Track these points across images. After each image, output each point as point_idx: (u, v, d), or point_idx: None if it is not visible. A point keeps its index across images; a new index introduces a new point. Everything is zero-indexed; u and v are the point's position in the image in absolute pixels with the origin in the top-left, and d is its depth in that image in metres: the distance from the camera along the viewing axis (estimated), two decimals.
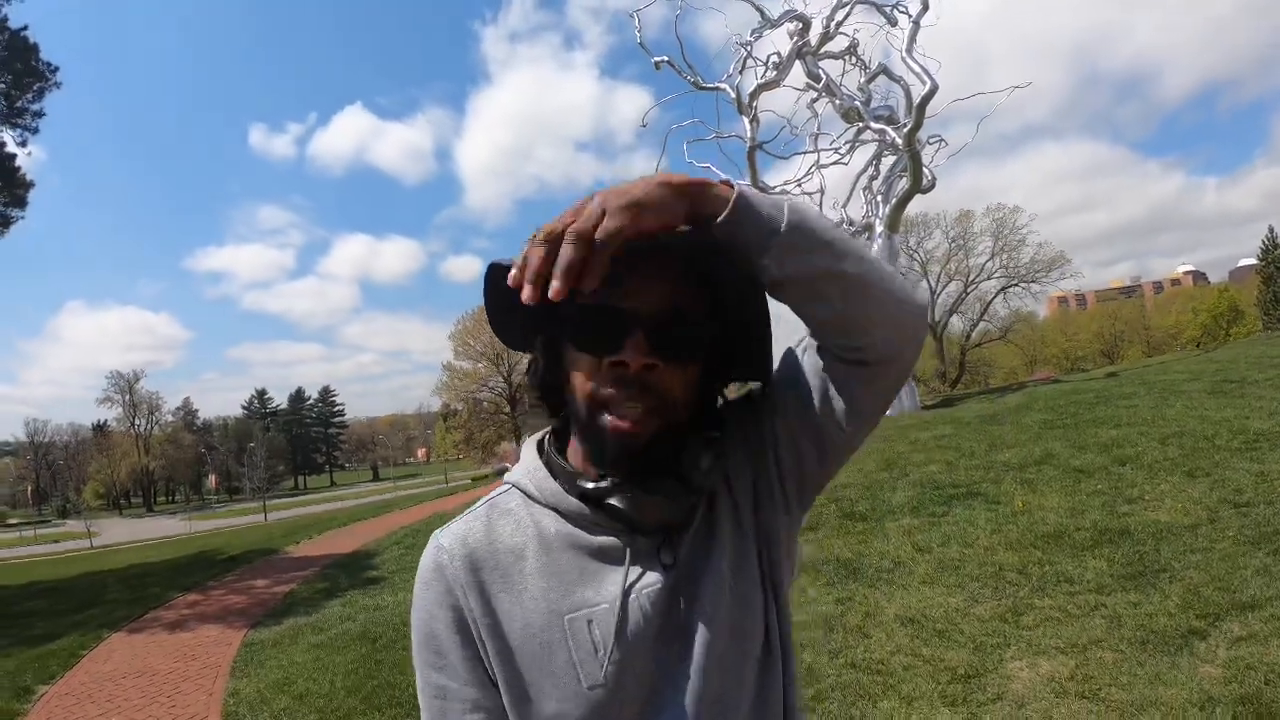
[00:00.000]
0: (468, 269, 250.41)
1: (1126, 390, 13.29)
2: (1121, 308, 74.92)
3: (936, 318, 52.34)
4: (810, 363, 0.98)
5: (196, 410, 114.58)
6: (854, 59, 20.03)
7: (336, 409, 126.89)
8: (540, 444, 1.08)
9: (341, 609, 8.99)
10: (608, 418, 0.93)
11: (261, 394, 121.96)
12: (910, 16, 17.60)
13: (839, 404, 0.96)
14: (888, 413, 11.46)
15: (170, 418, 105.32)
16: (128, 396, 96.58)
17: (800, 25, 18.65)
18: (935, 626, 5.64)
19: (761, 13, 18.74)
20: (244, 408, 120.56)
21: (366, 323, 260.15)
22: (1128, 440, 9.93)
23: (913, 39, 17.13)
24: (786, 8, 18.69)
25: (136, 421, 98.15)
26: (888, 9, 18.50)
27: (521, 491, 1.05)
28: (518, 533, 1.01)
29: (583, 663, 0.93)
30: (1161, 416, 10.81)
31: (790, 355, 1.03)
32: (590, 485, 0.96)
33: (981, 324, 53.50)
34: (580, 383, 0.95)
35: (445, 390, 70.87)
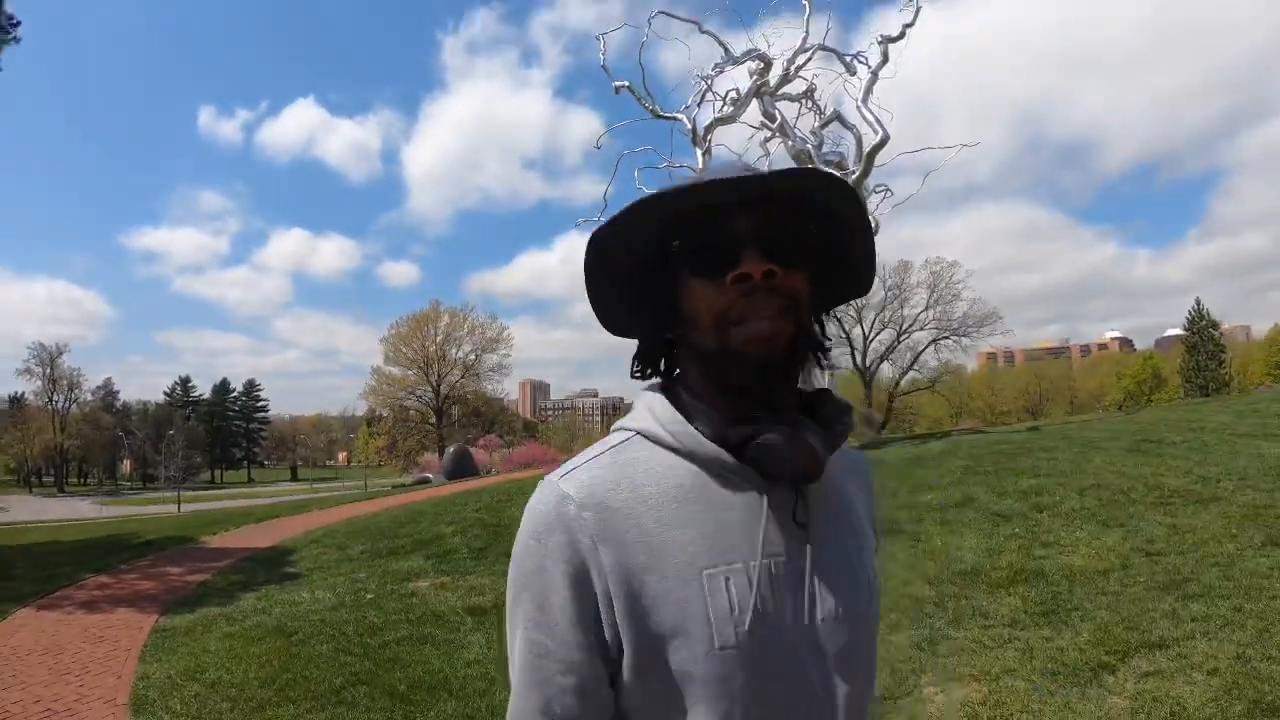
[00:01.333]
0: (405, 274, 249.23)
1: (1048, 443, 13.66)
2: (1048, 367, 77.27)
3: (868, 363, 53.28)
4: None
5: (118, 392, 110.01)
6: (810, 103, 20.44)
7: (260, 404, 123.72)
8: (663, 390, 1.04)
9: (257, 602, 8.79)
10: (742, 330, 0.94)
11: (185, 381, 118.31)
12: (869, 67, 18.06)
13: None
14: None
15: (90, 397, 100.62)
16: (49, 370, 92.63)
17: (761, 65, 19.01)
18: None
19: (726, 49, 19.05)
20: (166, 394, 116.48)
21: (297, 319, 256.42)
22: (1046, 489, 10.22)
23: (869, 89, 17.58)
24: (750, 46, 19.03)
25: (55, 397, 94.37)
26: (848, 58, 18.96)
27: (648, 439, 1.00)
28: (649, 481, 0.96)
29: (718, 621, 0.90)
30: (1080, 469, 11.14)
31: None
32: (733, 426, 0.96)
33: (911, 373, 54.59)
34: (707, 308, 0.96)
35: (372, 395, 70.24)
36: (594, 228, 0.97)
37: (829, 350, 1.05)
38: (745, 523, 0.94)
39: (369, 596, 8.75)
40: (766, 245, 0.94)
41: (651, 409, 1.01)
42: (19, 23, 16.76)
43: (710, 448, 0.95)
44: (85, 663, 6.92)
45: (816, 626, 0.95)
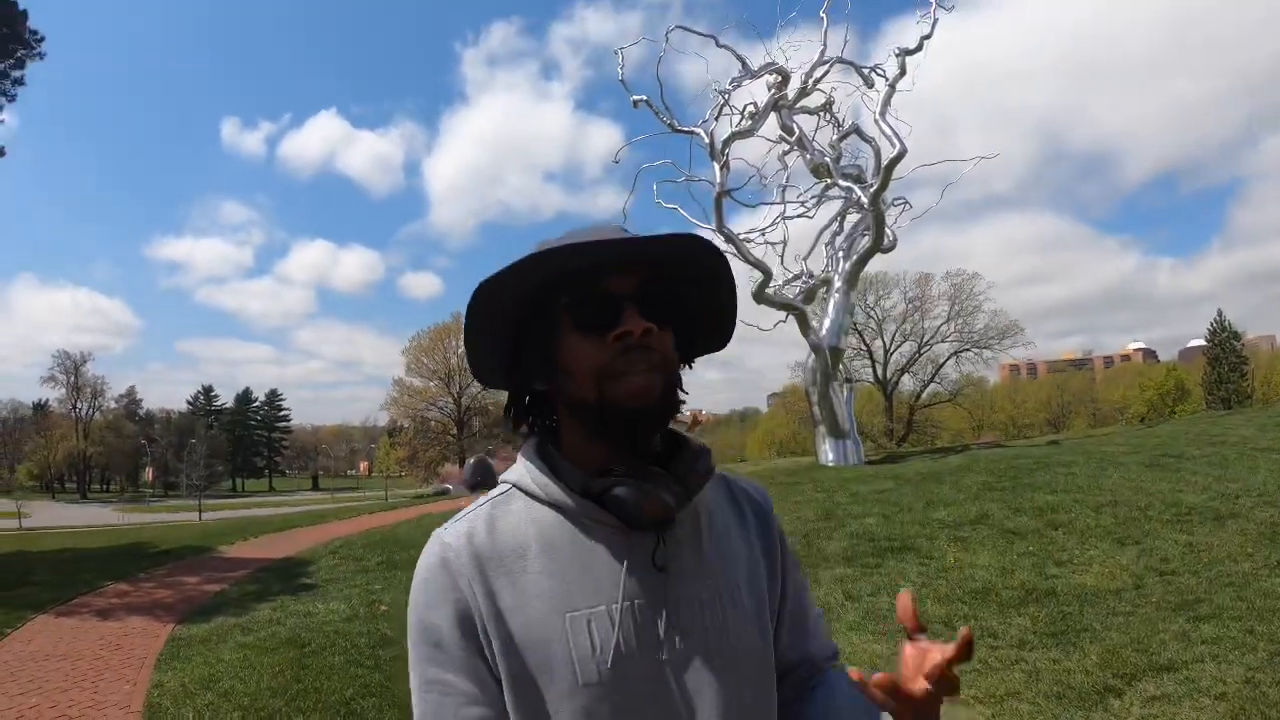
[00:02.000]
0: (426, 286, 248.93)
1: (1066, 458, 13.56)
2: (1070, 379, 76.43)
3: (889, 375, 53.03)
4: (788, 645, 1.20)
5: (140, 400, 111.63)
6: (828, 116, 20.46)
7: (282, 413, 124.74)
8: (537, 446, 1.12)
9: (271, 612, 8.87)
10: (620, 385, 1.00)
11: (208, 390, 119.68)
12: (887, 80, 18.05)
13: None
14: (831, 463, 11.63)
15: (113, 405, 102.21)
16: (73, 378, 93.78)
17: (779, 78, 19.04)
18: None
19: (743, 63, 19.07)
20: (189, 403, 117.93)
21: (320, 329, 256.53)
22: (1062, 506, 10.15)
23: (887, 102, 17.55)
24: (767, 60, 19.06)
25: (79, 405, 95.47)
26: (866, 71, 18.95)
27: (522, 491, 1.08)
28: (520, 531, 1.04)
29: (580, 661, 0.97)
30: (1098, 485, 11.06)
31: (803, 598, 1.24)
32: (595, 479, 1.03)
33: (932, 385, 54.25)
34: (588, 362, 1.02)
35: (394, 406, 70.26)
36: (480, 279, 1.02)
37: (683, 402, 1.10)
38: (608, 567, 1.02)
39: (383, 609, 8.81)
40: (645, 305, 1.02)
41: (524, 464, 1.09)
42: (43, 38, 17.12)
43: (574, 500, 1.03)
44: (101, 669, 7.04)
45: (682, 664, 1.01)
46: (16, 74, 17.01)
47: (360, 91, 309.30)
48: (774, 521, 1.21)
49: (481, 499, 1.11)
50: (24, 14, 16.63)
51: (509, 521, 1.05)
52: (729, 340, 1.20)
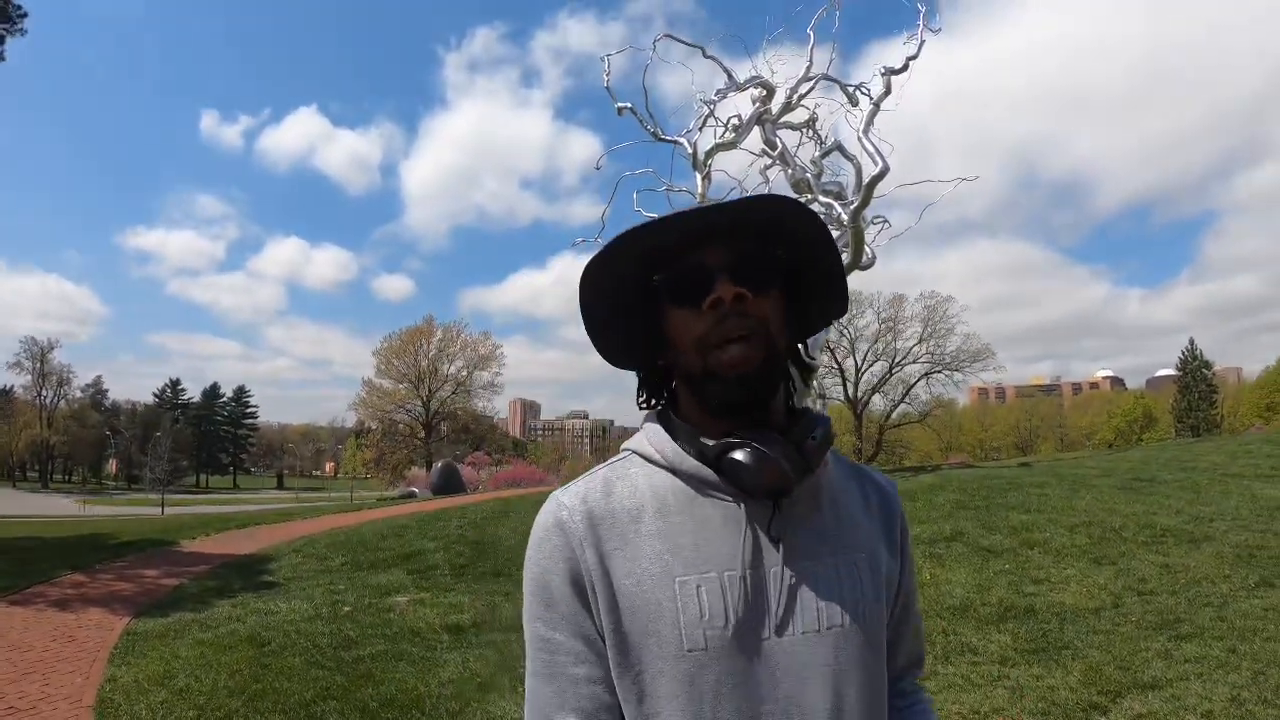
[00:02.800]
0: (399, 288, 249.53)
1: (1038, 479, 13.62)
2: (1039, 404, 77.34)
3: (860, 394, 53.27)
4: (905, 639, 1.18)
5: (107, 390, 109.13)
6: (811, 132, 20.49)
7: (249, 410, 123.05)
8: (659, 415, 1.13)
9: (231, 609, 8.61)
10: (720, 353, 0.99)
11: (175, 384, 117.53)
12: (871, 99, 18.10)
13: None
14: None
15: (79, 394, 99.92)
16: (39, 365, 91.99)
17: (764, 92, 19.04)
18: None
19: (729, 75, 19.07)
20: (155, 395, 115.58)
21: (290, 327, 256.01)
22: (1037, 525, 10.16)
23: (870, 120, 17.57)
24: (753, 73, 19.08)
25: (44, 392, 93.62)
26: (850, 89, 19.01)
27: (640, 456, 1.09)
28: (635, 495, 1.05)
29: (687, 626, 0.97)
30: (1071, 506, 11.09)
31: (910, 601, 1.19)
32: (711, 442, 1.02)
33: (902, 405, 54.57)
34: (687, 333, 1.02)
35: (362, 407, 69.89)
36: (589, 255, 1.02)
37: (814, 368, 1.02)
38: (723, 534, 1.01)
39: (346, 609, 8.59)
40: (736, 271, 1.00)
41: (645, 430, 1.11)
42: (25, 14, 16.73)
43: (690, 463, 1.03)
44: (53, 662, 6.78)
45: (791, 638, 0.99)
46: None
47: (341, 90, 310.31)
48: (899, 511, 1.18)
49: (600, 465, 1.13)
50: None
51: (625, 485, 1.07)
52: (845, 305, 1.15)
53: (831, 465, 1.11)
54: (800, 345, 1.14)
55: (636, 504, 1.04)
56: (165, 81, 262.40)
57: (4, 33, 16.50)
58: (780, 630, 0.98)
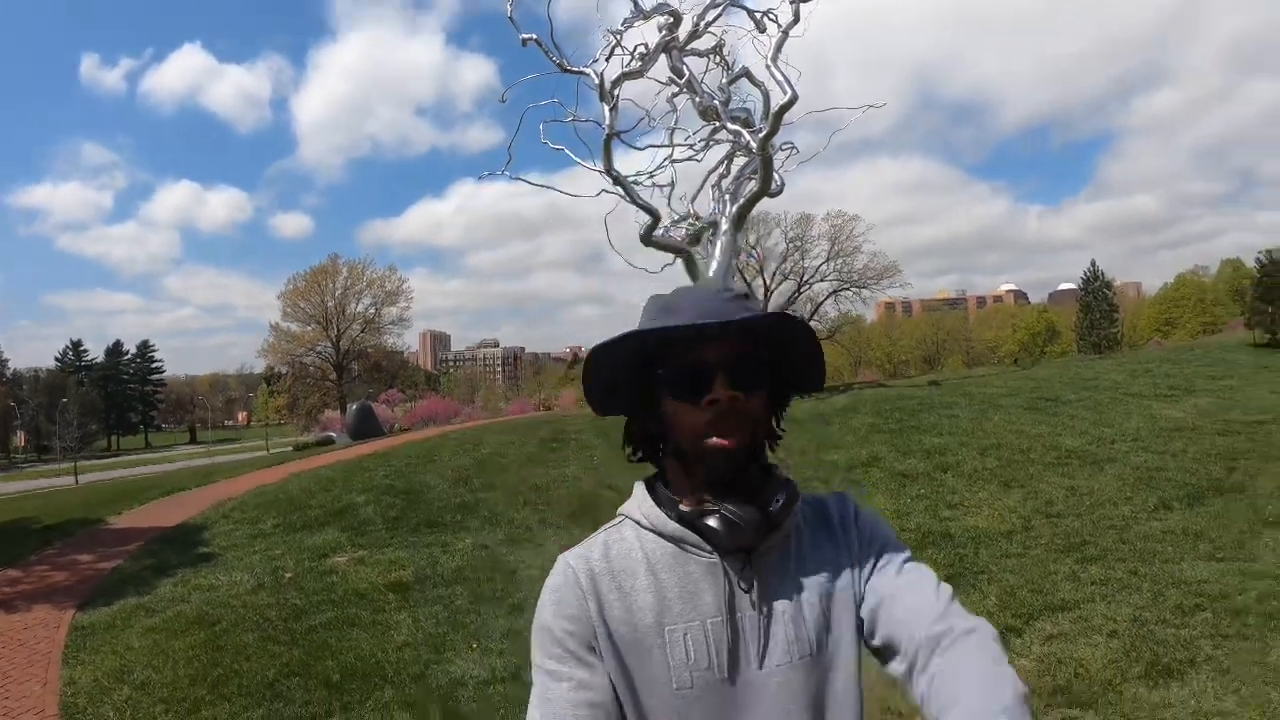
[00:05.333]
0: (297, 225, 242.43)
1: (948, 400, 14.19)
2: (945, 318, 78.98)
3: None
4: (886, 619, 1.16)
5: (7, 360, 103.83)
6: (719, 59, 20.39)
7: (155, 365, 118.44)
8: (648, 483, 1.29)
9: (174, 589, 8.48)
10: (713, 442, 1.14)
11: (77, 345, 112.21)
12: (780, 25, 18.05)
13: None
14: None
15: None
16: None
17: (671, 19, 18.86)
18: None
19: (635, 3, 18.80)
20: (57, 359, 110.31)
21: (188, 275, 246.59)
22: (949, 449, 10.65)
23: (779, 48, 17.50)
24: (659, 1, 18.84)
25: None
26: (758, 15, 18.91)
27: (633, 521, 1.25)
28: (630, 554, 1.21)
29: (675, 669, 1.12)
30: (980, 428, 11.62)
31: (890, 586, 1.19)
32: (688, 509, 1.18)
33: (812, 323, 55.32)
34: (685, 423, 1.17)
35: (270, 352, 67.77)
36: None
37: (780, 439, 1.28)
38: (704, 587, 1.16)
39: (288, 576, 8.59)
40: (733, 373, 1.15)
41: (635, 498, 1.27)
42: None
43: (674, 527, 1.19)
44: (7, 670, 6.51)
45: (769, 672, 1.13)
46: None
47: (226, 25, 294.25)
48: (852, 508, 1.30)
49: (601, 529, 1.27)
50: None
51: (621, 546, 1.22)
52: (820, 387, 1.34)
53: (798, 512, 1.22)
54: (775, 420, 1.28)
55: (631, 563, 1.19)
56: (38, 26, 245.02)
57: None
58: (757, 667, 1.13)
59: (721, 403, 1.14)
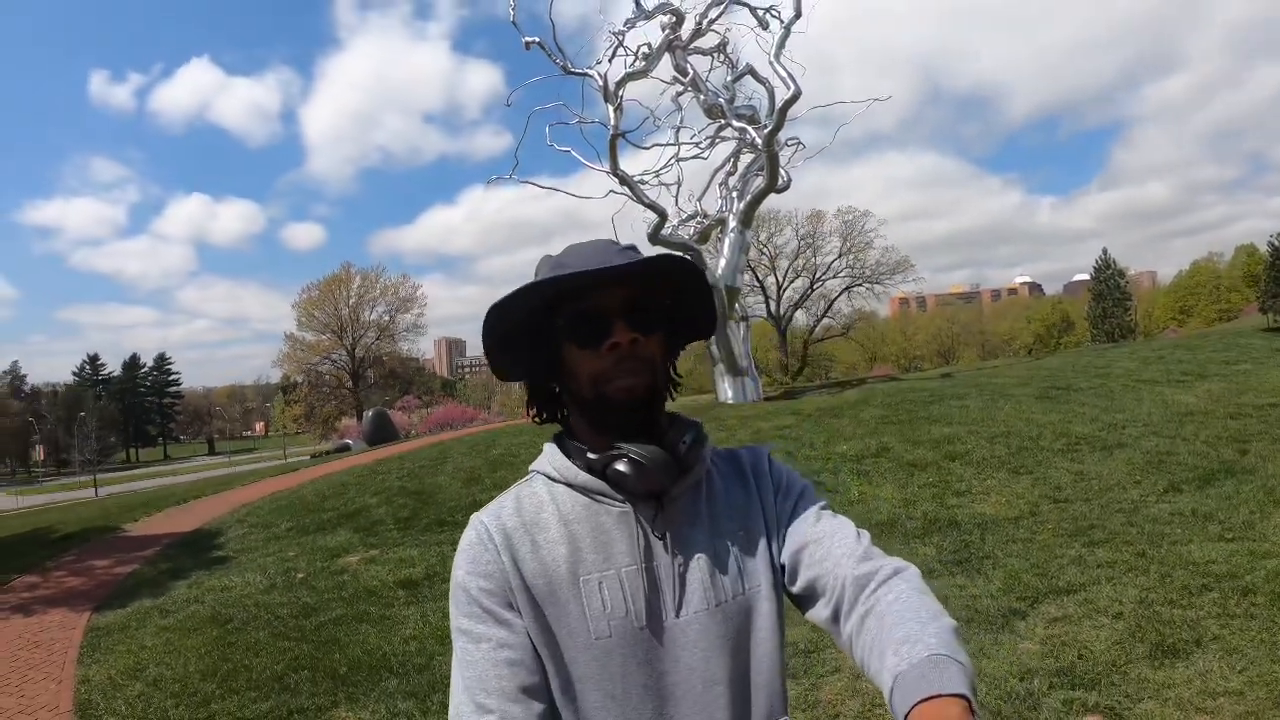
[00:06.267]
0: (310, 235, 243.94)
1: (959, 391, 14.14)
2: (959, 312, 78.86)
3: (783, 311, 53.94)
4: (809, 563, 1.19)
5: (25, 375, 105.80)
6: (722, 57, 20.43)
7: (172, 377, 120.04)
8: (555, 437, 1.31)
9: (188, 590, 8.62)
10: (613, 386, 1.17)
11: (94, 359, 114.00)
12: (782, 21, 18.07)
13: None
14: (731, 401, 11.84)
15: None
16: None
17: (673, 19, 18.88)
18: None
19: (637, 3, 18.82)
20: (75, 373, 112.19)
21: (203, 287, 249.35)
22: (958, 438, 10.62)
23: (782, 44, 17.60)
24: (662, 0, 18.86)
25: None
26: (760, 12, 18.93)
27: (543, 475, 1.26)
28: (540, 508, 1.22)
29: (592, 618, 1.13)
30: (991, 417, 11.58)
31: (807, 529, 1.22)
32: (595, 455, 1.19)
33: (825, 320, 55.35)
34: (586, 370, 1.19)
35: (286, 361, 68.59)
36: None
37: (679, 385, 1.34)
38: (616, 535, 1.18)
39: (300, 576, 8.68)
40: (630, 315, 1.18)
41: (545, 452, 1.29)
42: None
43: (583, 476, 1.21)
44: (24, 670, 6.67)
45: (686, 618, 1.16)
46: None
47: (233, 39, 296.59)
48: (765, 459, 1.34)
49: (512, 486, 1.29)
50: None
51: (533, 500, 1.23)
52: (710, 334, 1.39)
53: (710, 460, 1.28)
54: (670, 366, 1.31)
55: (542, 516, 1.20)
56: (47, 45, 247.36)
57: None
58: (674, 614, 1.15)
59: (623, 346, 1.16)
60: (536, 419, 1.32)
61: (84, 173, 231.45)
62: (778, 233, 51.46)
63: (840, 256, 51.52)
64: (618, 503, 1.19)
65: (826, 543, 1.18)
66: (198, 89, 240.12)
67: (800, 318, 55.81)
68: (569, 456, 1.24)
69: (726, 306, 17.86)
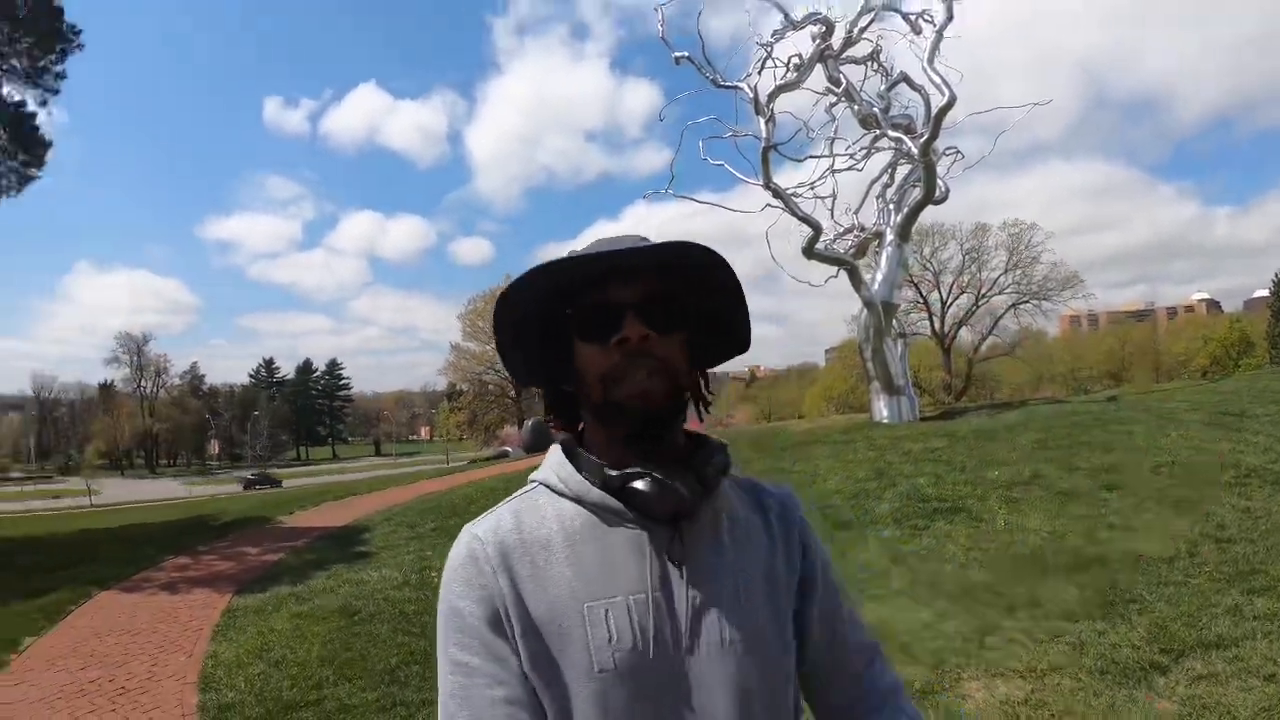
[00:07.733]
0: (477, 250, 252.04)
1: (1124, 415, 13.27)
2: (1132, 331, 74.08)
3: (946, 329, 52.23)
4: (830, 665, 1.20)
5: (204, 375, 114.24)
6: (876, 65, 19.94)
7: (342, 382, 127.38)
8: (564, 446, 1.18)
9: (326, 581, 9.06)
10: (622, 388, 1.07)
11: (269, 363, 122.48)
12: (934, 26, 17.51)
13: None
14: (885, 420, 11.46)
15: (177, 381, 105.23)
16: (136, 358, 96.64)
17: (823, 29, 18.58)
18: (900, 640, 5.71)
19: (785, 14, 18.60)
20: (251, 376, 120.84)
21: (374, 297, 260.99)
22: (1118, 466, 9.94)
23: (935, 49, 17.03)
24: (811, 10, 18.59)
25: (143, 384, 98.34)
26: (912, 17, 18.40)
27: (547, 487, 1.14)
28: (543, 525, 1.10)
29: (596, 649, 1.02)
30: (1156, 445, 10.80)
31: (838, 620, 1.21)
32: (614, 472, 1.08)
33: (991, 338, 53.30)
34: (594, 368, 1.09)
35: (452, 370, 71.12)
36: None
37: (710, 403, 1.20)
38: (628, 560, 1.06)
39: (434, 575, 8.93)
40: (643, 310, 1.07)
41: (550, 461, 1.16)
42: (80, 30, 17.57)
43: (595, 493, 1.08)
44: (159, 642, 7.31)
45: (698, 655, 1.05)
46: (58, 68, 17.44)
47: (398, 65, 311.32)
48: (798, 517, 1.24)
49: (510, 496, 1.17)
50: (60, 9, 17.11)
51: (534, 515, 1.11)
52: (745, 346, 1.24)
53: (729, 488, 1.17)
54: (701, 378, 1.20)
55: (545, 533, 1.08)
56: (225, 75, 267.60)
57: (65, 49, 17.25)
58: (686, 649, 1.04)
59: (631, 342, 1.06)
60: (553, 424, 1.22)
61: (261, 191, 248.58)
62: (941, 247, 49.87)
63: (1006, 272, 49.44)
64: (631, 524, 1.08)
65: (849, 637, 1.20)
66: (367, 112, 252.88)
67: (965, 336, 53.96)
68: (579, 468, 1.12)
69: (883, 322, 17.37)
